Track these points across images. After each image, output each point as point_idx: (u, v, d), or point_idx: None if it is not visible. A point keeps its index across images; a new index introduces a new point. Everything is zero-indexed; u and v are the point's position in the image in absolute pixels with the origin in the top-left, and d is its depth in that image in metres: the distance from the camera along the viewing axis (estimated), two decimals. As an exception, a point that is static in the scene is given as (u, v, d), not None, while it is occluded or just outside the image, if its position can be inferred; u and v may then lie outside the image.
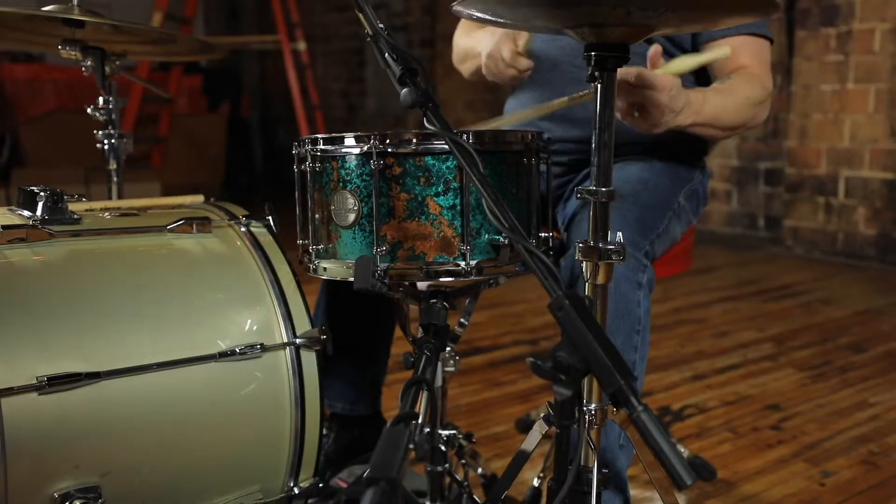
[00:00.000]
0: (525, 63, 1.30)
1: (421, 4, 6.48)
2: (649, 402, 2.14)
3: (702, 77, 1.42)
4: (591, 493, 0.96)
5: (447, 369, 1.33)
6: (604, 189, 0.96)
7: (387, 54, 0.93)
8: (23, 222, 1.10)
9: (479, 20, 0.99)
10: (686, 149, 1.45)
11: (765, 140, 4.55)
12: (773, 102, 4.35)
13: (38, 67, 5.74)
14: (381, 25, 0.94)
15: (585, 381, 1.02)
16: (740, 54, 1.33)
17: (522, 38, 1.31)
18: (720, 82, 1.30)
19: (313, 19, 7.42)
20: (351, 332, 1.57)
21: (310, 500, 1.29)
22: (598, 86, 0.93)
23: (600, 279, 0.98)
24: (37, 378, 0.96)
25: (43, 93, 5.69)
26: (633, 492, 1.58)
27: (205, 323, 1.13)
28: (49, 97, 5.70)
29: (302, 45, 5.21)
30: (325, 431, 1.68)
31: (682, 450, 1.73)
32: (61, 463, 0.98)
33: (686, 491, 1.64)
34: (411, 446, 0.71)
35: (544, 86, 1.44)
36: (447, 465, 1.39)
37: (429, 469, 1.39)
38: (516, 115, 1.37)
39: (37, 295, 1.01)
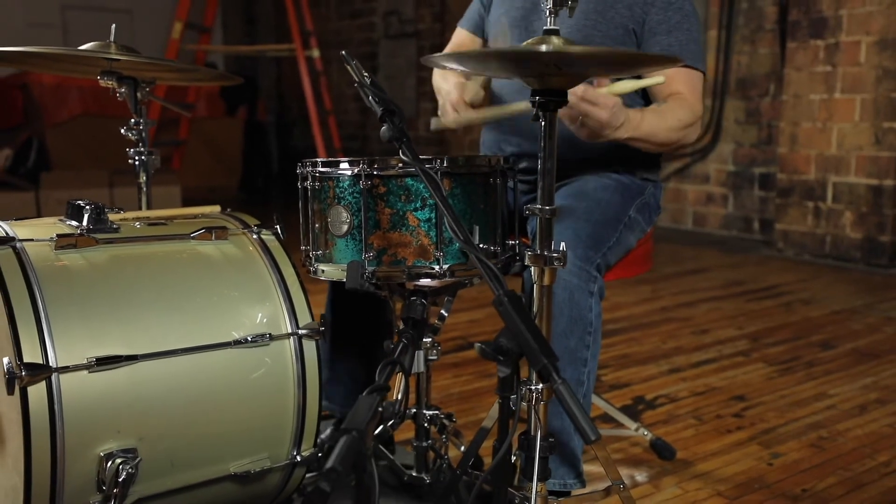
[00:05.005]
0: (463, 110, 1.52)
1: (431, 12, 6.70)
2: (626, 393, 2.34)
3: (645, 98, 1.63)
4: (535, 456, 1.17)
5: (430, 358, 1.54)
6: (547, 207, 1.17)
7: (371, 98, 1.15)
8: (72, 231, 1.32)
9: (447, 67, 1.21)
10: (639, 165, 1.65)
11: (759, 146, 4.73)
12: (766, 110, 4.48)
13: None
14: (365, 75, 1.16)
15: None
16: (675, 82, 1.53)
17: (470, 91, 1.52)
18: (657, 105, 1.50)
19: (327, 26, 7.67)
20: (353, 327, 1.78)
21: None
22: (542, 123, 1.14)
23: (546, 281, 1.19)
24: (87, 359, 1.18)
25: (68, 98, 5.93)
26: (598, 470, 1.79)
27: (222, 316, 1.35)
28: (74, 102, 5.93)
29: (316, 53, 5.44)
30: (332, 425, 1.89)
31: (646, 433, 1.93)
32: (106, 428, 1.20)
33: (645, 468, 1.85)
34: (380, 409, 0.92)
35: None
36: (431, 441, 1.61)
37: (415, 444, 1.61)
38: (486, 111, 1.58)
39: (86, 291, 1.24)
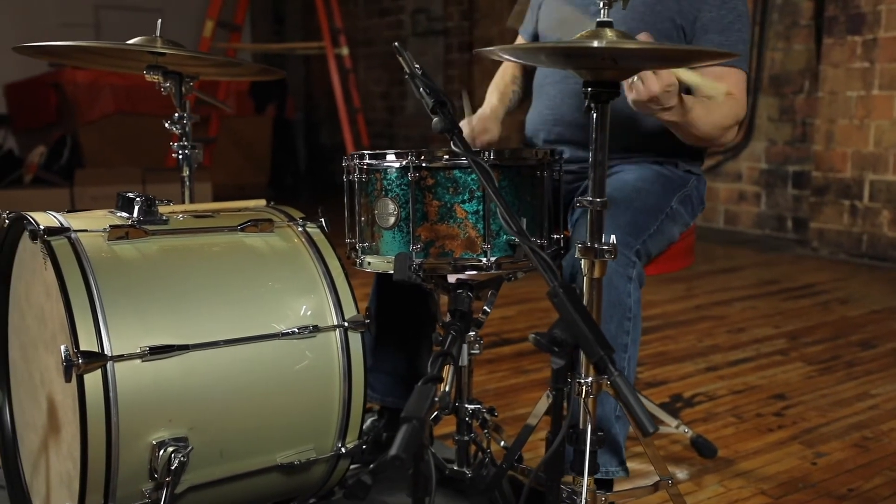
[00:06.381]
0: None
1: (459, 10, 6.69)
2: (663, 391, 2.33)
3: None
4: (586, 450, 1.16)
5: (472, 352, 1.54)
6: (598, 199, 1.16)
7: (422, 89, 1.15)
8: (123, 223, 1.34)
9: (501, 58, 1.20)
10: (681, 155, 1.64)
11: (793, 144, 4.67)
12: (800, 107, 4.42)
13: (97, 72, 6.02)
14: (416, 66, 1.16)
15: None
16: (726, 80, 1.52)
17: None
18: (709, 99, 1.49)
19: (356, 24, 7.69)
20: (397, 319, 1.78)
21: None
22: (594, 115, 1.13)
23: (596, 274, 1.18)
24: (140, 348, 1.19)
25: (102, 96, 5.99)
26: (640, 466, 1.78)
27: (269, 307, 1.36)
28: (108, 101, 6.00)
29: (345, 51, 5.46)
30: (376, 417, 1.89)
31: (687, 431, 1.91)
32: (158, 417, 1.21)
33: (686, 466, 1.83)
34: (436, 399, 0.92)
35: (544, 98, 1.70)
36: (473, 435, 1.61)
37: (456, 438, 1.61)
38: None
39: (138, 282, 1.25)
